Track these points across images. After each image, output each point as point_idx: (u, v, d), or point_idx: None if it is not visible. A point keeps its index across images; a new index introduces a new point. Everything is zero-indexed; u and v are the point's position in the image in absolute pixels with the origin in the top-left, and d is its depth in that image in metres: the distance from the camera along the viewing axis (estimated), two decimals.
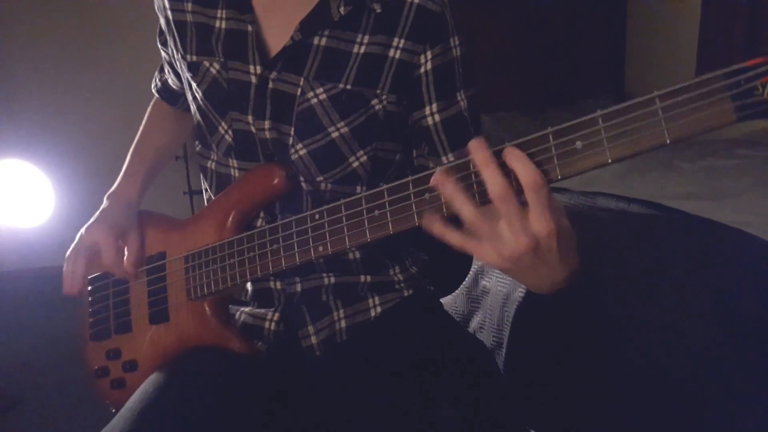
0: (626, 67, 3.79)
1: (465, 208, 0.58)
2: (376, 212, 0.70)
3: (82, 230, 0.95)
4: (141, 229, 0.97)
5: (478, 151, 0.58)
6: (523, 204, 0.57)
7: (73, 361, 1.02)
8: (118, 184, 1.01)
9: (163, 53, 1.00)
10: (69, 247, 0.98)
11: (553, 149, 0.59)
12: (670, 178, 1.88)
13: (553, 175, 0.60)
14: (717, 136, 2.70)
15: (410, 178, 0.68)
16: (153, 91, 1.10)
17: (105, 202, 0.98)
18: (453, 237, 0.60)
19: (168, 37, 0.94)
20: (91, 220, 0.96)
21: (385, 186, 0.69)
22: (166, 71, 1.05)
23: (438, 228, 0.60)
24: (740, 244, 1.12)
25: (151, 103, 1.11)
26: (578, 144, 0.58)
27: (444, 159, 0.87)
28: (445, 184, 0.59)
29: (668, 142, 0.55)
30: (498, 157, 0.58)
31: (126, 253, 0.93)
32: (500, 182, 0.57)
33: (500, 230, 0.58)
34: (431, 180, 0.62)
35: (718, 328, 0.95)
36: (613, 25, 3.77)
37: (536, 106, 3.47)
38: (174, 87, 1.05)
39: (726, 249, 1.11)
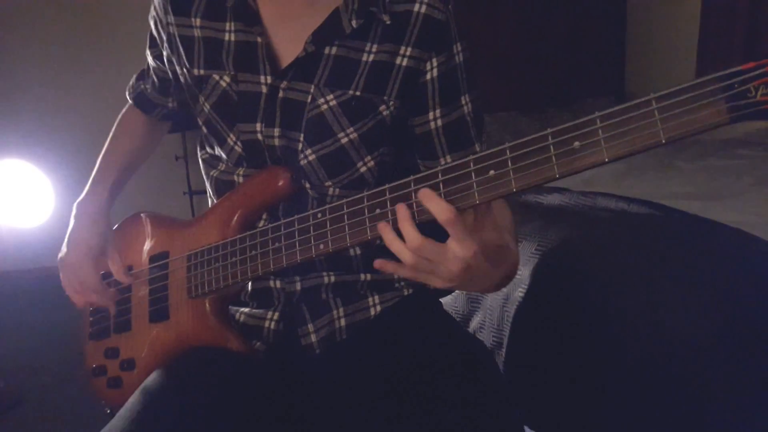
0: (626, 67, 3.78)
1: (403, 254, 0.68)
2: (378, 211, 0.71)
3: (60, 258, 0.97)
4: (140, 230, 0.98)
5: (399, 208, 0.68)
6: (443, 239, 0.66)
7: (73, 361, 1.03)
8: (86, 194, 1.01)
9: (152, 62, 1.00)
10: None
11: (551, 148, 0.61)
12: (670, 178, 1.88)
13: (551, 174, 0.62)
14: (717, 136, 2.70)
15: (412, 177, 0.69)
16: (128, 98, 1.08)
17: (73, 212, 0.99)
18: (404, 272, 0.70)
19: (168, 52, 0.94)
20: (64, 247, 0.97)
21: (387, 185, 0.70)
22: (147, 81, 1.04)
23: (391, 267, 0.71)
24: (740, 244, 1.12)
25: (123, 111, 1.10)
26: (576, 144, 0.60)
27: (441, 160, 0.88)
28: (386, 234, 0.69)
29: (663, 141, 0.57)
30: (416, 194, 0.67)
31: (113, 270, 0.95)
32: (412, 237, 0.66)
33: (434, 264, 0.67)
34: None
35: (718, 327, 0.95)
36: (613, 25, 3.77)
37: (536, 106, 3.47)
38: (151, 97, 1.04)
39: (726, 249, 1.12)
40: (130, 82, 1.07)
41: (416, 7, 0.83)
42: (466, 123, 0.89)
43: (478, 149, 0.64)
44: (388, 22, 0.83)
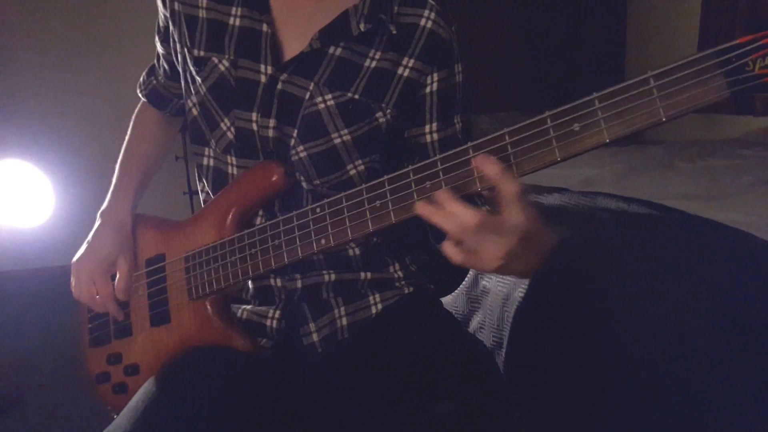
0: (626, 67, 3.79)
1: (447, 224, 0.66)
2: (378, 203, 0.71)
3: (74, 263, 0.97)
4: (135, 233, 0.97)
5: (424, 209, 0.67)
6: (492, 211, 0.65)
7: (73, 361, 1.03)
8: (109, 202, 1.01)
9: (161, 50, 0.99)
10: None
11: (551, 131, 0.61)
12: (670, 178, 1.88)
13: (553, 158, 0.62)
14: (717, 136, 2.70)
15: (410, 167, 0.69)
16: (140, 95, 1.08)
17: (98, 221, 0.99)
18: (456, 257, 0.67)
19: (173, 30, 0.94)
20: (82, 249, 0.97)
21: (385, 177, 0.71)
22: (158, 72, 1.04)
23: (454, 253, 0.67)
24: (740, 244, 1.12)
25: (136, 111, 1.09)
26: (576, 126, 0.60)
27: None
28: (432, 214, 0.67)
29: (664, 119, 0.57)
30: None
31: (116, 279, 0.95)
32: (467, 213, 0.64)
33: (488, 238, 0.65)
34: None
35: (718, 327, 0.95)
36: (613, 24, 3.77)
37: (536, 106, 3.47)
38: (163, 91, 1.04)
39: (726, 249, 1.12)
40: (140, 79, 1.07)
41: (422, 22, 0.86)
42: (458, 141, 0.91)
43: None
44: (395, 32, 0.85)
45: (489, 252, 0.66)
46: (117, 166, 1.04)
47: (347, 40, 0.85)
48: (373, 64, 0.86)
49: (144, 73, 1.07)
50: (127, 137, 1.07)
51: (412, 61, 0.86)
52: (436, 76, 0.87)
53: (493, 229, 0.64)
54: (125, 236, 0.97)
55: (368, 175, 0.89)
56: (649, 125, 0.57)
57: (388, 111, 0.87)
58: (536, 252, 0.69)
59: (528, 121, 0.62)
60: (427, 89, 0.88)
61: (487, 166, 0.64)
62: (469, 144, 0.66)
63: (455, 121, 0.91)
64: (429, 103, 0.88)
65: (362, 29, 0.84)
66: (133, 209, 1.01)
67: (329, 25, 0.84)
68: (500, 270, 0.68)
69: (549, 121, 0.61)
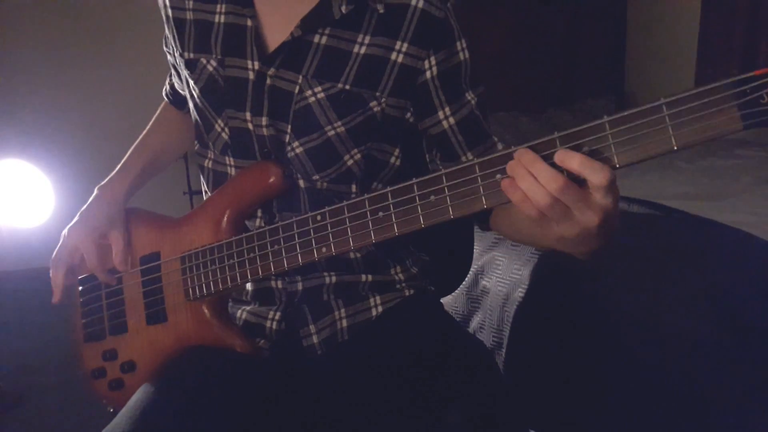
0: (626, 67, 3.79)
1: (537, 193, 0.60)
2: (381, 214, 0.71)
3: (65, 231, 0.96)
4: (129, 227, 0.96)
5: (524, 153, 0.61)
6: (580, 184, 0.60)
7: (72, 361, 1.03)
8: (110, 179, 1.00)
9: (169, 58, 1.00)
10: None
11: None
12: (670, 178, 1.88)
13: None
14: None
15: (414, 180, 0.68)
16: (163, 95, 1.10)
17: (94, 193, 0.98)
18: (528, 207, 0.61)
19: (168, 35, 0.94)
20: (74, 219, 0.96)
21: (389, 188, 0.70)
22: (173, 74, 1.05)
23: (517, 196, 0.61)
24: (740, 244, 1.12)
25: (161, 106, 1.11)
26: (585, 149, 0.59)
27: (463, 158, 0.87)
28: (514, 184, 0.61)
29: (676, 148, 0.56)
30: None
31: (113, 252, 0.93)
32: (555, 176, 0.59)
33: (571, 212, 0.60)
34: (507, 167, 0.62)
35: (718, 327, 0.95)
36: (613, 25, 3.77)
37: (536, 106, 3.47)
38: (181, 91, 1.05)
39: (726, 249, 1.12)
40: (166, 79, 1.09)
41: (413, 1, 0.82)
42: (476, 117, 0.87)
43: (496, 140, 0.61)
44: (382, 11, 0.81)
45: (564, 224, 0.61)
46: (129, 150, 1.05)
47: (332, 27, 0.82)
48: (363, 50, 0.82)
49: (168, 74, 1.08)
50: (147, 127, 1.08)
51: (405, 45, 0.82)
52: (433, 60, 0.83)
53: (575, 201, 0.59)
54: (117, 211, 0.96)
55: (365, 163, 0.87)
56: (660, 153, 0.56)
57: (384, 100, 0.84)
58: (604, 237, 0.63)
59: (537, 141, 0.61)
60: (427, 75, 0.84)
61: (576, 164, 0.58)
62: (475, 161, 0.64)
63: (468, 98, 0.86)
64: (433, 89, 0.84)
65: (344, 11, 0.81)
66: (131, 189, 1.00)
67: (310, 11, 0.82)
68: (561, 243, 0.64)
69: (558, 143, 0.60)
